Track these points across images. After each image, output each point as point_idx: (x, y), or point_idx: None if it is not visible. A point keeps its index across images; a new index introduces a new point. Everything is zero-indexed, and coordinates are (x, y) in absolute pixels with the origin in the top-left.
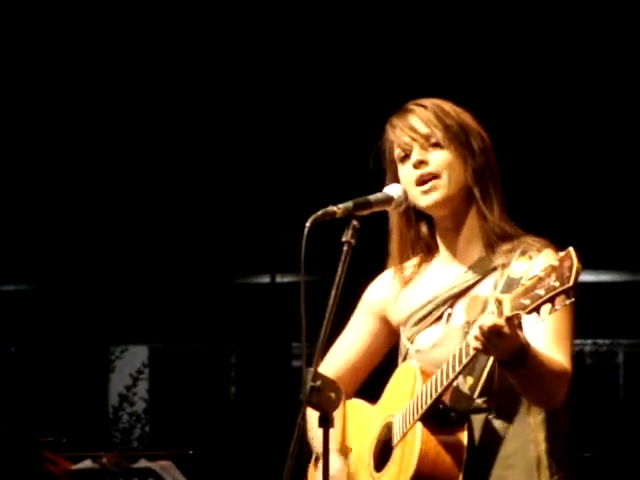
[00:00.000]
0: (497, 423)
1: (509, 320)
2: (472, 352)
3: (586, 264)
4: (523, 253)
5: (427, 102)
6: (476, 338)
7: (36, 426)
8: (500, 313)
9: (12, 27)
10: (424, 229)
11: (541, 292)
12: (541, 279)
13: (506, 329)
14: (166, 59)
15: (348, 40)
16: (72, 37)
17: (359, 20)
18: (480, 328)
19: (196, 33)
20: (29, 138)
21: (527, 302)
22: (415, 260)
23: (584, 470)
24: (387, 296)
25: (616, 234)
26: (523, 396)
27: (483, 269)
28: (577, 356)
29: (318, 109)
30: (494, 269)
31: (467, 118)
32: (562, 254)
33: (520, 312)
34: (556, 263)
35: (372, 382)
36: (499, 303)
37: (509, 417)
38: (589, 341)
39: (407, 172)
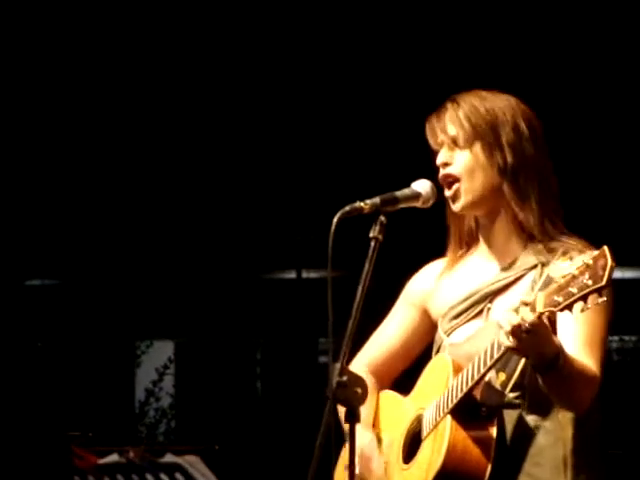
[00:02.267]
0: (529, 420)
1: (541, 317)
2: (503, 348)
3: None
4: (564, 253)
5: (463, 99)
6: (507, 333)
7: (63, 421)
8: (533, 309)
9: (12, 27)
10: (471, 222)
11: (574, 290)
12: (575, 277)
13: (537, 326)
14: (172, 58)
15: (367, 32)
16: (72, 37)
17: (371, 15)
18: (509, 320)
19: (198, 33)
20: (47, 135)
21: (560, 299)
22: (462, 253)
23: (612, 468)
24: (429, 288)
25: None
26: (552, 399)
27: (522, 266)
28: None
29: (347, 105)
30: (534, 267)
31: (502, 111)
32: (596, 253)
33: (552, 309)
34: (590, 261)
35: (407, 373)
36: (531, 301)
37: (541, 414)
38: (615, 337)
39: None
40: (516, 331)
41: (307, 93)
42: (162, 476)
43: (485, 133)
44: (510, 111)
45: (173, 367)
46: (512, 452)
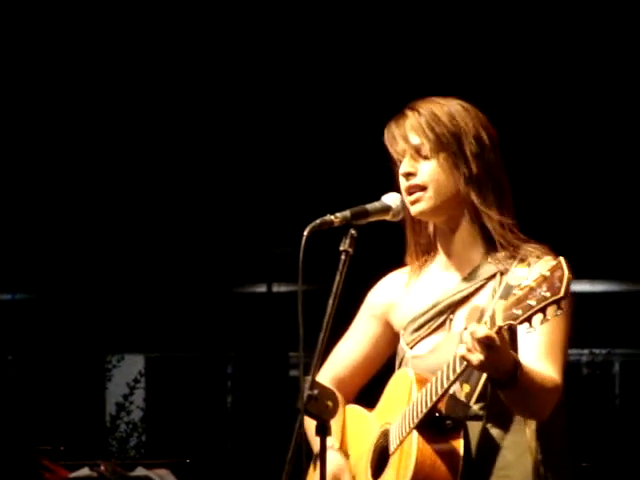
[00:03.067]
0: (494, 432)
1: (500, 331)
2: (465, 362)
3: (582, 274)
4: (522, 260)
5: (423, 107)
6: (466, 347)
7: (34, 434)
8: (492, 323)
9: (12, 27)
10: (430, 230)
11: (532, 302)
12: (532, 289)
13: (497, 340)
14: (165, 63)
15: (340, 48)
16: (72, 37)
17: (356, 24)
18: (471, 335)
19: (196, 34)
20: (24, 149)
21: (519, 312)
22: (421, 263)
23: None
24: (390, 299)
25: (612, 243)
26: (511, 410)
27: (482, 276)
28: (573, 366)
29: (312, 118)
30: (493, 276)
31: (464, 120)
32: (553, 264)
33: (512, 322)
34: (547, 273)
35: (370, 387)
36: (492, 313)
37: (506, 426)
38: (585, 351)
39: (401, 180)
40: (475, 344)
41: (272, 111)
42: None
43: (449, 143)
44: (471, 120)
45: (144, 381)
46: (479, 465)
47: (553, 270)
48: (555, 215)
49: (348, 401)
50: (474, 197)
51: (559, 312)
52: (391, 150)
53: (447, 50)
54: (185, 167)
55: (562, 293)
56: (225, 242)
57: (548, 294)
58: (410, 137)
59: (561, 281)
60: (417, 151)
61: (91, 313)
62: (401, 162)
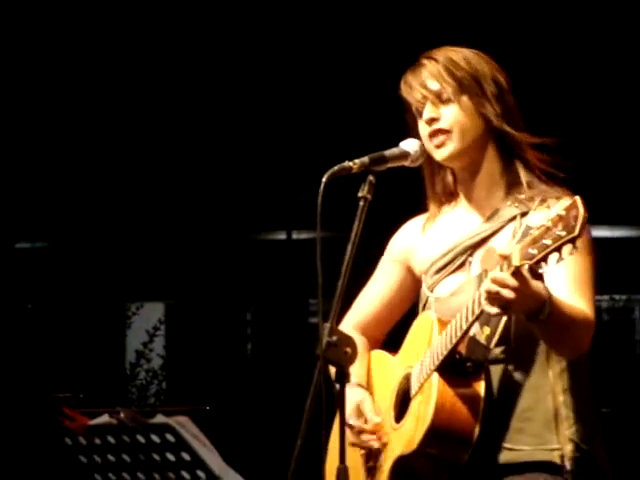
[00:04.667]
0: (516, 374)
1: (518, 270)
2: (484, 304)
3: (601, 219)
4: (542, 202)
5: (439, 54)
6: (487, 292)
7: (53, 382)
8: (509, 263)
9: (12, 27)
10: (449, 177)
11: (548, 242)
12: (548, 229)
13: (513, 280)
14: (166, 56)
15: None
16: (72, 37)
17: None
18: (491, 281)
19: (195, 33)
20: (41, 111)
21: (535, 252)
22: (443, 208)
23: (601, 426)
24: (411, 245)
25: (631, 189)
26: (548, 346)
27: (502, 218)
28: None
29: (335, 67)
30: (513, 218)
31: (480, 64)
32: (568, 203)
33: (528, 261)
34: (563, 212)
35: (395, 331)
36: (507, 254)
37: (527, 368)
38: (605, 297)
39: (422, 128)
40: (495, 288)
41: (294, 57)
42: (153, 437)
43: (471, 86)
44: (486, 64)
45: (163, 329)
46: (501, 408)
47: (568, 209)
48: (574, 161)
49: (374, 347)
50: (495, 139)
51: (574, 251)
52: (409, 99)
53: (450, 12)
54: (205, 116)
55: (577, 232)
56: (244, 189)
57: (563, 233)
58: (429, 84)
59: (576, 220)
60: (438, 96)
61: (110, 261)
62: (419, 111)
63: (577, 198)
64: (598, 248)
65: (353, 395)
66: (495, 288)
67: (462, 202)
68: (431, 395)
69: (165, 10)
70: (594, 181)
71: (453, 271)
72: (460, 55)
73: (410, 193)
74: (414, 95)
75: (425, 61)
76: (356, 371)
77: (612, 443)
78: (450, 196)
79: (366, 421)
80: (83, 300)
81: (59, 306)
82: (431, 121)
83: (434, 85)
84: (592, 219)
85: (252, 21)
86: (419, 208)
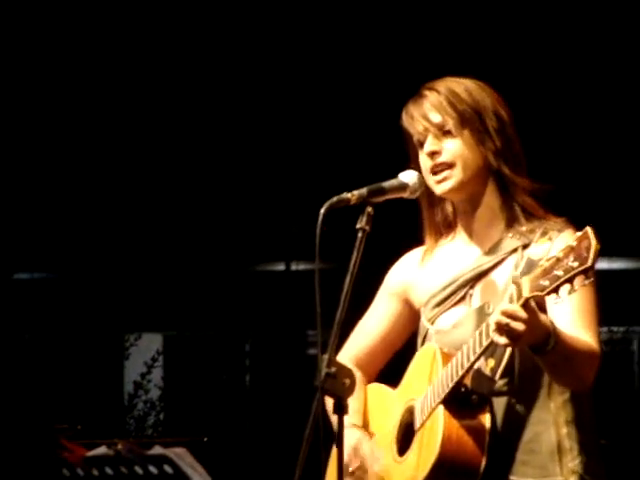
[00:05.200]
0: (519, 407)
1: (527, 302)
2: (492, 334)
3: (600, 251)
4: (544, 234)
5: (441, 86)
6: (497, 324)
7: (51, 413)
8: (519, 295)
9: (12, 27)
10: (449, 208)
11: (560, 273)
12: (559, 260)
13: (523, 312)
14: (166, 58)
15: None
16: (72, 37)
17: (359, 15)
18: (501, 313)
19: (196, 34)
20: (41, 131)
21: (546, 283)
22: (441, 240)
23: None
24: (410, 277)
25: (630, 220)
26: (552, 379)
27: (503, 250)
28: None
29: (334, 99)
30: (514, 250)
31: (482, 97)
32: (580, 234)
33: (539, 293)
34: (574, 243)
35: (392, 365)
36: (518, 285)
37: (530, 400)
38: (604, 328)
39: (423, 160)
40: (505, 320)
41: (294, 87)
42: (150, 468)
43: (472, 119)
44: (488, 97)
45: (162, 360)
46: (505, 440)
47: (580, 240)
48: (573, 191)
49: (370, 380)
50: (497, 173)
51: (587, 282)
52: (411, 130)
53: (451, 42)
54: (205, 146)
55: (590, 262)
56: (243, 220)
57: (576, 264)
58: (431, 116)
59: (588, 250)
60: (440, 129)
61: (109, 292)
62: (421, 142)
63: (588, 229)
64: (597, 280)
65: (348, 437)
66: (505, 320)
67: (461, 234)
68: (437, 427)
69: (165, 11)
70: (592, 213)
71: (454, 304)
72: (462, 87)
73: (408, 225)
74: (415, 126)
75: (427, 92)
76: (352, 405)
77: (609, 476)
78: (449, 227)
79: (363, 464)
80: (81, 331)
81: (57, 337)
82: (433, 154)
83: (436, 117)
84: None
85: (244, 56)
86: (417, 239)
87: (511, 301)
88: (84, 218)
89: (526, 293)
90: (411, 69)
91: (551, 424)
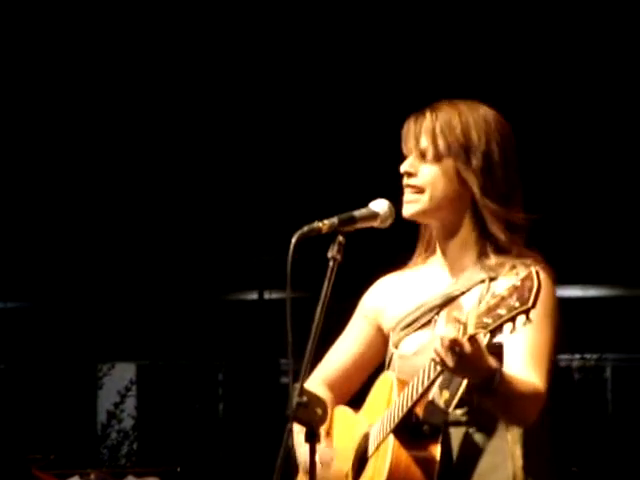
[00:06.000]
0: (477, 437)
1: (472, 339)
2: (439, 367)
3: (573, 279)
4: (512, 268)
5: (442, 111)
6: (436, 351)
7: (24, 443)
8: (464, 331)
9: (12, 27)
10: (431, 230)
11: (502, 312)
12: (504, 298)
13: (467, 347)
14: (166, 58)
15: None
16: (72, 37)
17: (357, 28)
18: (441, 340)
19: (196, 34)
20: (18, 156)
21: (489, 321)
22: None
23: None
24: (382, 302)
25: (604, 249)
26: (495, 416)
27: (471, 280)
28: (565, 371)
29: (304, 125)
30: (482, 281)
31: (477, 134)
32: (524, 275)
33: (482, 330)
34: (518, 283)
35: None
36: (463, 321)
37: (489, 431)
38: (577, 356)
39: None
40: (445, 349)
41: (264, 114)
42: None
43: (457, 153)
44: (485, 135)
45: (135, 389)
46: (459, 471)
47: (524, 280)
48: (547, 220)
49: (341, 402)
50: (486, 204)
51: (528, 323)
52: (402, 144)
53: (446, 54)
54: (175, 176)
55: (530, 304)
56: (215, 249)
57: (517, 304)
58: (421, 139)
59: (530, 291)
60: (422, 154)
61: (82, 321)
62: (406, 158)
63: (533, 270)
64: (570, 308)
65: (304, 453)
66: (444, 349)
67: (438, 258)
68: (386, 457)
69: (165, 11)
70: (566, 242)
71: (418, 328)
72: (462, 119)
73: (380, 254)
74: (407, 143)
75: (428, 113)
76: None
77: None
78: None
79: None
80: (54, 360)
81: (30, 366)
82: (407, 174)
83: (424, 142)
84: (564, 279)
85: (234, 72)
86: (389, 269)
87: (458, 334)
88: (57, 247)
89: (470, 329)
90: (380, 95)
91: (508, 456)
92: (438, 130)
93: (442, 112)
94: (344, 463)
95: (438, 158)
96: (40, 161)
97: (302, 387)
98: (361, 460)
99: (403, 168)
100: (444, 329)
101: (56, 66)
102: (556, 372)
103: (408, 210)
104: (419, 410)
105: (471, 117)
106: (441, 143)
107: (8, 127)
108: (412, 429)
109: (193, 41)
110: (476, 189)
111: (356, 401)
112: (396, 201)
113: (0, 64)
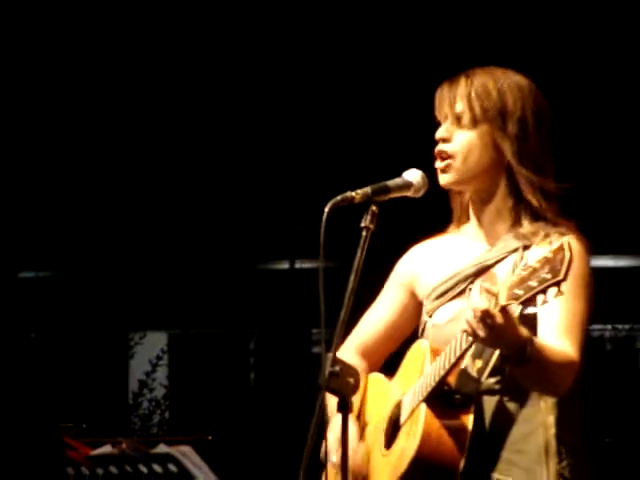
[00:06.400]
0: (510, 405)
1: (503, 310)
2: (471, 338)
3: (605, 249)
4: (545, 237)
5: (478, 77)
6: (468, 323)
7: (56, 412)
8: (496, 302)
9: (12, 27)
10: (465, 199)
11: (534, 284)
12: (535, 270)
13: (499, 318)
14: (166, 59)
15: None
16: (72, 37)
17: (362, 15)
18: (473, 311)
19: (196, 35)
20: (44, 132)
21: (520, 292)
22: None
23: (603, 455)
24: (417, 269)
25: (635, 218)
26: (527, 387)
27: (505, 249)
28: (596, 341)
29: (338, 96)
30: (516, 250)
31: (513, 99)
32: (555, 246)
33: (514, 302)
34: (550, 255)
35: (395, 355)
36: (495, 292)
37: (522, 399)
38: (608, 326)
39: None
40: (476, 320)
41: (298, 84)
42: (155, 467)
43: (493, 119)
44: (520, 101)
45: (166, 358)
46: (492, 439)
47: (556, 252)
48: (579, 190)
49: (374, 369)
50: (520, 171)
51: (559, 295)
52: (436, 111)
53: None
54: (210, 145)
55: (561, 276)
56: (248, 218)
57: (549, 276)
58: (456, 104)
59: (562, 263)
60: (458, 119)
61: (113, 290)
62: (440, 124)
63: (564, 241)
64: (601, 278)
65: (335, 428)
66: (477, 320)
67: (472, 226)
68: (418, 425)
69: (165, 11)
70: (598, 211)
71: (453, 297)
72: (497, 85)
73: (412, 223)
74: (440, 108)
75: (462, 78)
76: None
77: (614, 473)
78: (468, 218)
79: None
80: (86, 329)
81: (62, 335)
82: (441, 140)
83: (459, 107)
84: (595, 249)
85: (249, 54)
86: (421, 238)
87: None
88: (89, 216)
89: (502, 300)
90: (413, 66)
91: (540, 424)
92: (474, 95)
93: (477, 77)
94: (377, 431)
95: (474, 123)
96: (67, 140)
97: (334, 356)
98: (394, 428)
99: (439, 134)
100: (477, 299)
101: (56, 66)
102: (588, 343)
103: (442, 179)
104: (452, 379)
105: (506, 83)
106: (477, 108)
107: (27, 115)
108: (444, 398)
109: (193, 41)
110: (511, 155)
111: (390, 367)
112: (428, 171)
113: (0, 64)
